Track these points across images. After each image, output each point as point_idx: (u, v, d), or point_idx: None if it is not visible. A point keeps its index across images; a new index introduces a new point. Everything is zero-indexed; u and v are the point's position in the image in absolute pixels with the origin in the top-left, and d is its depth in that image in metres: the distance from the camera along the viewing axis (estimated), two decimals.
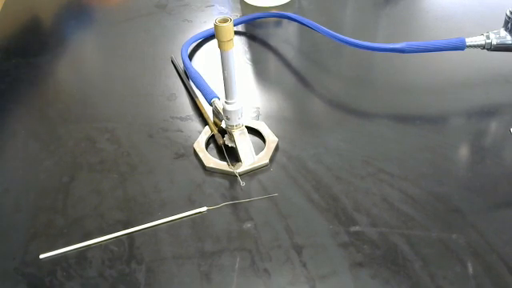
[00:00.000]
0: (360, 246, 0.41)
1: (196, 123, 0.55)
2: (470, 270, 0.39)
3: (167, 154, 0.52)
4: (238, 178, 0.47)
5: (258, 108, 0.57)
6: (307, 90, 0.61)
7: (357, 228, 0.43)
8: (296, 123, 0.55)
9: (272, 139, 0.51)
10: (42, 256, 0.42)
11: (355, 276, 0.39)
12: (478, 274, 0.39)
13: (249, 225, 0.44)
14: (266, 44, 0.69)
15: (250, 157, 0.49)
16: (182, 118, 0.56)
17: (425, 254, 0.40)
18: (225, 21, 0.42)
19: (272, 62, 0.67)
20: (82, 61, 0.69)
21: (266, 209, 0.45)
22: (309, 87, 0.61)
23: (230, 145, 0.50)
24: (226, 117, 0.49)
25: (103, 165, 0.50)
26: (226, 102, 0.49)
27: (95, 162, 0.51)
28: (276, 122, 0.55)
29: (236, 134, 0.50)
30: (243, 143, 0.49)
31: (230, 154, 0.50)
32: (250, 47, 0.69)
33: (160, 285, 0.39)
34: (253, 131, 0.53)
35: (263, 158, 0.49)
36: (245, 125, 0.51)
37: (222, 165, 0.49)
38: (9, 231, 0.44)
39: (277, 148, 0.51)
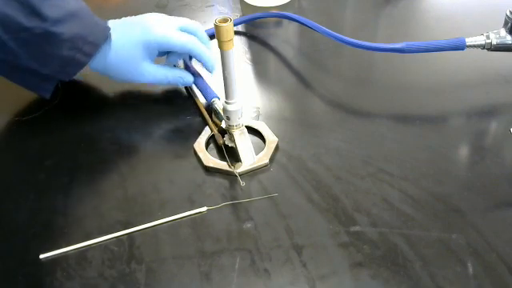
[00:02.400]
0: (360, 246, 0.41)
1: (196, 123, 0.55)
2: (470, 270, 0.39)
3: (167, 154, 0.52)
4: (238, 177, 0.47)
5: (258, 108, 0.57)
6: (307, 90, 0.61)
7: (357, 228, 0.43)
8: (296, 123, 0.55)
9: (272, 139, 0.51)
10: (41, 256, 0.42)
11: (355, 276, 0.39)
12: (478, 274, 0.39)
13: (249, 225, 0.44)
14: (266, 44, 0.69)
15: (250, 157, 0.49)
16: (181, 118, 0.56)
17: (425, 253, 0.40)
18: (225, 21, 0.42)
19: (272, 62, 0.67)
20: None
21: (266, 209, 0.45)
22: (309, 87, 0.61)
23: (229, 145, 0.50)
24: (227, 117, 0.49)
25: (103, 165, 0.50)
26: (226, 102, 0.49)
27: (95, 162, 0.51)
28: (276, 122, 0.55)
29: (236, 134, 0.50)
30: (243, 143, 0.49)
31: (230, 154, 0.50)
32: (250, 47, 0.69)
33: (160, 285, 0.39)
34: (253, 131, 0.53)
35: (263, 158, 0.49)
36: (245, 125, 0.51)
37: (222, 164, 0.49)
38: (9, 231, 0.44)
39: (277, 148, 0.51)
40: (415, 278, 0.39)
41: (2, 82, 0.53)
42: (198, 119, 0.56)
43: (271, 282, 0.39)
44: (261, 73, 0.65)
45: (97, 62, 0.53)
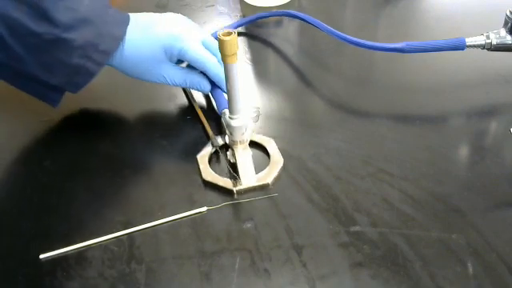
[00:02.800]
0: (360, 246, 0.41)
1: (196, 124, 0.55)
2: (470, 270, 0.39)
3: (167, 155, 0.51)
4: (238, 191, 0.46)
5: (258, 108, 0.57)
6: (307, 89, 0.61)
7: (357, 228, 0.43)
8: (296, 123, 0.55)
9: (277, 159, 0.49)
10: (42, 256, 0.42)
11: (355, 276, 0.39)
12: (478, 274, 0.39)
13: (249, 225, 0.44)
14: (266, 44, 0.69)
15: (250, 176, 0.47)
16: (181, 119, 0.56)
17: (425, 253, 0.40)
18: (228, 34, 0.41)
19: (272, 61, 0.67)
20: None
21: (266, 209, 0.45)
22: (309, 87, 0.61)
23: (232, 160, 0.49)
24: (230, 132, 0.48)
25: (103, 165, 0.50)
26: (229, 117, 0.47)
27: (95, 162, 0.51)
28: (276, 122, 0.55)
29: (238, 150, 0.48)
30: (244, 161, 0.48)
31: (234, 169, 0.48)
32: (250, 47, 0.69)
33: (160, 285, 0.39)
34: (261, 148, 0.51)
35: (263, 178, 0.47)
36: (254, 140, 0.50)
37: (220, 180, 0.47)
38: (9, 231, 0.44)
39: (282, 169, 0.48)
40: (415, 278, 0.39)
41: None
42: (198, 119, 0.56)
43: (271, 282, 0.39)
44: (261, 73, 0.65)
45: (110, 61, 0.51)
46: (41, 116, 0.57)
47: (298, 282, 0.39)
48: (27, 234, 0.44)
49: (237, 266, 0.40)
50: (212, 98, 0.57)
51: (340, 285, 0.39)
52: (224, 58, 0.43)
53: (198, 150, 0.51)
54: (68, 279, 0.40)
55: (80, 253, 0.42)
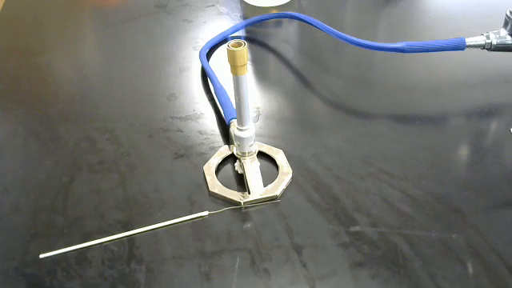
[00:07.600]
0: (360, 246, 0.41)
1: (196, 123, 0.55)
2: (470, 270, 0.39)
3: (167, 154, 0.51)
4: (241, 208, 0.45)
5: (258, 108, 0.57)
6: (307, 90, 0.61)
7: (357, 228, 0.43)
8: (296, 123, 0.55)
9: (285, 171, 0.48)
10: (41, 256, 0.42)
11: (355, 276, 0.39)
12: (478, 273, 0.39)
13: (249, 225, 0.44)
14: (266, 44, 0.69)
15: (258, 188, 0.46)
16: (181, 118, 0.56)
17: (425, 254, 0.40)
18: (238, 45, 0.40)
19: (272, 62, 0.67)
20: (82, 61, 0.69)
21: (266, 209, 0.45)
22: (309, 87, 0.61)
23: (239, 171, 0.48)
24: (238, 143, 0.48)
25: (103, 165, 0.50)
26: (237, 129, 0.47)
27: (95, 162, 0.51)
28: (276, 122, 0.55)
29: (246, 162, 0.48)
30: (252, 173, 0.47)
31: (241, 179, 0.48)
32: (250, 47, 0.69)
33: (160, 285, 0.39)
34: (269, 158, 0.50)
35: (271, 190, 0.46)
36: (262, 151, 0.49)
37: (227, 192, 0.46)
38: (9, 231, 0.44)
39: (291, 181, 0.47)
40: (415, 278, 0.39)
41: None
42: (198, 120, 0.56)
43: (271, 282, 0.39)
44: (261, 73, 0.65)
45: None
46: (40, 115, 0.57)
47: (297, 281, 0.39)
48: (27, 233, 0.44)
49: (237, 266, 0.40)
50: (220, 107, 0.56)
51: (340, 285, 0.39)
52: (234, 69, 0.42)
53: (199, 149, 0.51)
54: (68, 279, 0.40)
55: (80, 253, 0.42)
